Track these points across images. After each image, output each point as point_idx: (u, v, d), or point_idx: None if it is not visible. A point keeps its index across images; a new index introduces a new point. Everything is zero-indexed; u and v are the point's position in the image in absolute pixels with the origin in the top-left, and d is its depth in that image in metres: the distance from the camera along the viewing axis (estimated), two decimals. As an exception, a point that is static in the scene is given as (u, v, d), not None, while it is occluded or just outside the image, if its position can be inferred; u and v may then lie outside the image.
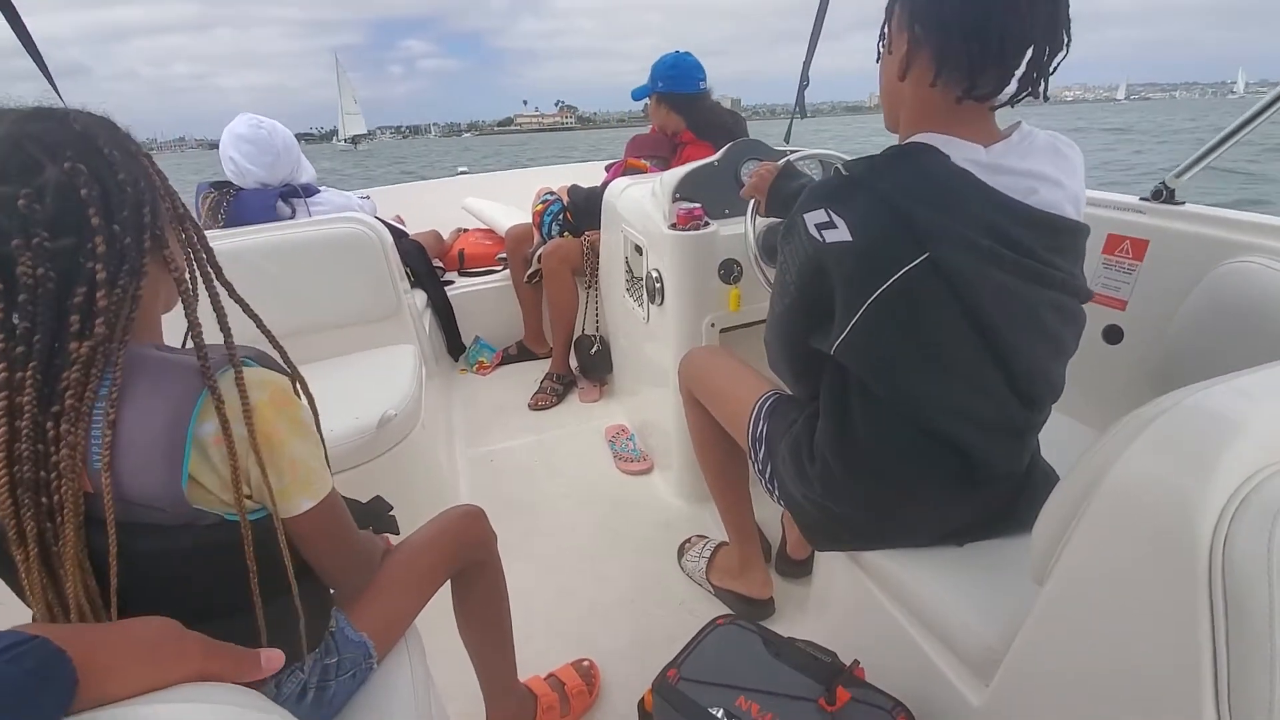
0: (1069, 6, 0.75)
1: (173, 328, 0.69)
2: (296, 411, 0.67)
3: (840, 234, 0.79)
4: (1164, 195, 1.24)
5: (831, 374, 0.91)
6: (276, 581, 0.67)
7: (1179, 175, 1.22)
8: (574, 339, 2.45)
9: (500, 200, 3.22)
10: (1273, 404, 0.54)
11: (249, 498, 0.63)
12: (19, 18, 1.48)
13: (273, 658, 0.53)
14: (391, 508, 1.00)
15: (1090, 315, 0.89)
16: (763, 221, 1.46)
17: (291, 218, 1.94)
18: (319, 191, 2.05)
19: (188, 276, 0.64)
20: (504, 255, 2.80)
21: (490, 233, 3.06)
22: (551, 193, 2.50)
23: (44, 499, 0.54)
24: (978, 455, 0.86)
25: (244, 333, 0.68)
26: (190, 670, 0.46)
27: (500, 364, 2.74)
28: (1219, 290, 1.04)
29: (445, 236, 3.02)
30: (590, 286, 2.38)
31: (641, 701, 0.95)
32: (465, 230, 3.13)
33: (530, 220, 2.59)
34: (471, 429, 2.30)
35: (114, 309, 0.56)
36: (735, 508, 1.38)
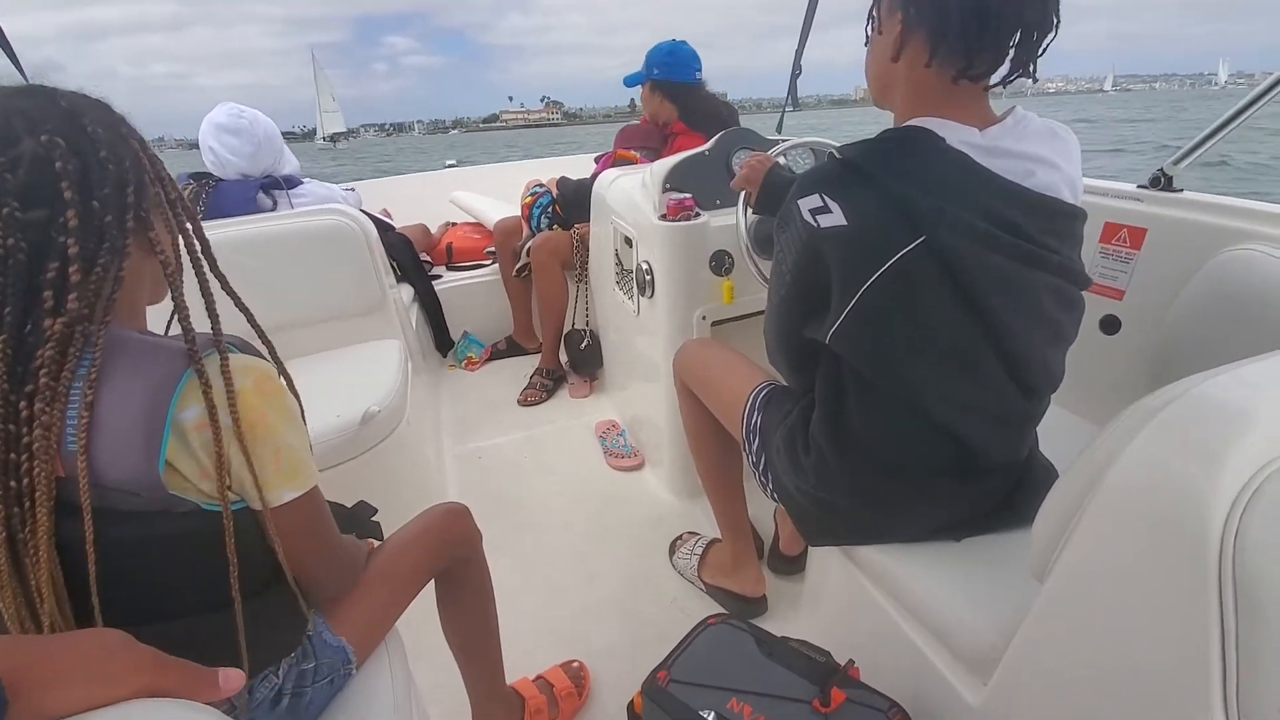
0: None
1: (157, 317, 0.68)
2: (282, 399, 0.65)
3: (835, 219, 0.77)
4: (1162, 183, 1.22)
5: (827, 363, 0.89)
6: (254, 578, 0.65)
7: (1177, 162, 1.20)
8: (564, 333, 2.42)
9: (489, 193, 3.18)
10: (1276, 393, 0.52)
11: (228, 488, 0.61)
12: None
13: (231, 677, 0.50)
14: (376, 511, 0.97)
15: (1087, 305, 0.87)
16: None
17: (273, 210, 1.89)
18: (302, 183, 2.00)
19: (174, 261, 0.64)
20: (493, 249, 2.76)
21: (479, 226, 3.02)
22: (540, 185, 2.46)
23: (13, 482, 0.53)
24: (975, 445, 0.84)
25: (229, 326, 0.66)
26: (140, 685, 0.43)
27: (489, 359, 2.71)
28: (1218, 279, 1.02)
29: (433, 230, 2.98)
30: (580, 280, 2.34)
31: (631, 704, 0.92)
32: (453, 224, 3.09)
33: (519, 213, 2.56)
34: (460, 425, 2.27)
35: (92, 287, 0.55)
36: (728, 503, 1.36)
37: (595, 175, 2.16)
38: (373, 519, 0.97)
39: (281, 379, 0.68)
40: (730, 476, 1.35)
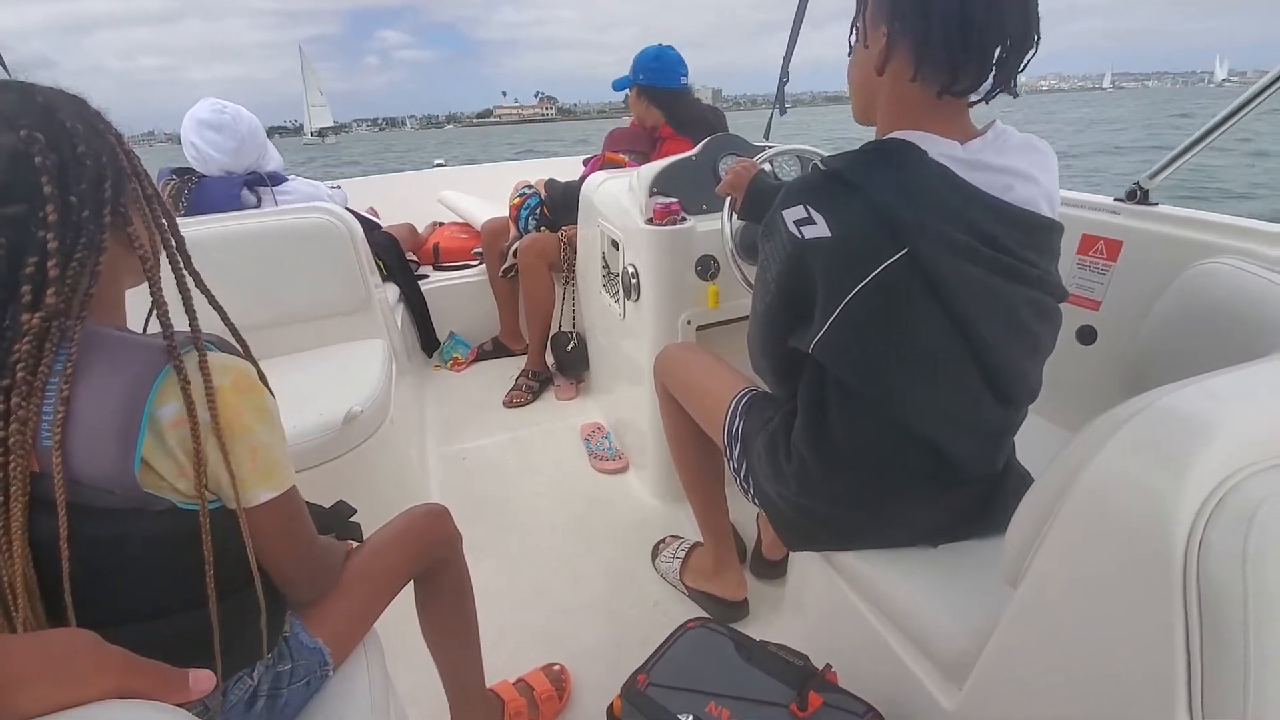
0: (1038, 5, 0.76)
1: (134, 312, 0.69)
2: (261, 399, 0.65)
3: (819, 230, 0.78)
4: (1138, 196, 1.24)
5: (810, 372, 0.90)
6: (230, 579, 0.65)
7: (1153, 176, 1.22)
8: (550, 335, 2.42)
9: (477, 193, 3.17)
10: (1243, 406, 0.53)
11: (205, 487, 0.61)
12: None
13: (201, 678, 0.50)
14: (355, 511, 0.97)
15: (1064, 315, 0.88)
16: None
17: (257, 206, 1.88)
18: (286, 180, 1.99)
19: (153, 257, 0.64)
20: (480, 250, 2.76)
21: (466, 226, 3.01)
22: (529, 186, 2.46)
23: None
24: (953, 454, 0.85)
25: (205, 324, 0.66)
26: (109, 686, 0.43)
27: (475, 360, 2.70)
28: (1191, 291, 1.04)
29: (420, 229, 2.96)
30: (567, 282, 2.34)
31: (610, 707, 0.93)
32: (441, 224, 3.08)
33: (507, 214, 2.55)
34: (444, 426, 2.26)
35: (70, 281, 0.55)
36: (710, 508, 1.37)
37: (583, 178, 2.17)
38: (351, 519, 0.97)
39: (256, 376, 0.67)
40: (711, 481, 1.35)
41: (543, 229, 2.38)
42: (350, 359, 1.72)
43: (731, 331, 1.66)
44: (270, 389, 0.70)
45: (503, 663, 1.25)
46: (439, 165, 4.39)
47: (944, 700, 0.82)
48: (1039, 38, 0.78)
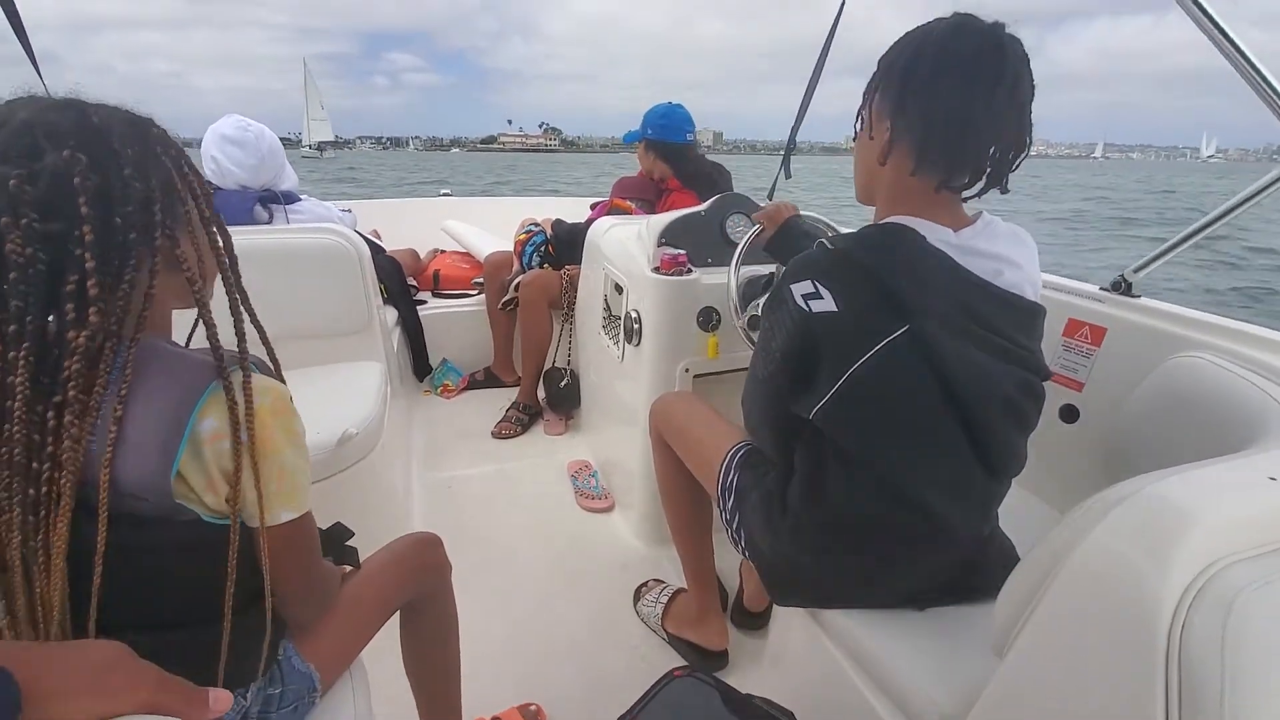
0: (1031, 113, 0.83)
1: (179, 323, 0.70)
2: (293, 422, 0.67)
3: (826, 304, 0.83)
4: (1122, 287, 1.32)
5: (808, 436, 0.93)
6: (237, 596, 0.65)
7: (1137, 270, 1.30)
8: (544, 370, 2.44)
9: (480, 225, 3.23)
10: (1225, 498, 0.57)
11: (228, 501, 0.62)
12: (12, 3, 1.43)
13: (221, 698, 0.51)
14: (352, 535, 0.97)
15: (1049, 393, 0.94)
16: (745, 273, 1.50)
17: (268, 223, 1.90)
18: (300, 199, 2.02)
19: (200, 278, 0.65)
20: (480, 280, 2.79)
21: (467, 256, 3.05)
22: (535, 224, 2.51)
23: (31, 490, 0.53)
24: (944, 520, 0.88)
25: (226, 336, 0.66)
26: (140, 702, 0.44)
27: (466, 389, 2.71)
28: (1169, 381, 1.10)
29: (422, 255, 3.00)
30: (565, 320, 2.38)
31: (592, 752, 0.92)
32: (442, 251, 3.12)
33: (511, 248, 2.60)
34: (431, 452, 2.25)
35: (119, 301, 0.57)
36: (697, 555, 1.38)
37: (590, 220, 2.23)
38: (348, 544, 0.97)
39: (292, 401, 0.69)
40: (700, 529, 1.36)
41: (546, 266, 2.43)
42: (348, 380, 1.72)
43: (727, 381, 1.70)
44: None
45: (477, 699, 1.23)
46: (445, 195, 4.46)
47: (925, 764, 0.83)
48: (1031, 142, 0.85)
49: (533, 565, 1.70)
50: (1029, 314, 0.89)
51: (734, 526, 1.09)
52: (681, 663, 1.37)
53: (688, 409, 1.32)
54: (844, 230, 1.65)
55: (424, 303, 2.72)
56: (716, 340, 1.58)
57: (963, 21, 0.82)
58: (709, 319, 1.58)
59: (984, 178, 0.85)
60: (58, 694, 0.41)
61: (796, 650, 1.17)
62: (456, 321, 2.75)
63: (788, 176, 2.34)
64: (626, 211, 2.28)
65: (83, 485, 0.55)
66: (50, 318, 0.56)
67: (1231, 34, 1.11)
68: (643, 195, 2.34)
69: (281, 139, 2.13)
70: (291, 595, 0.73)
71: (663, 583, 1.57)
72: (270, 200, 1.93)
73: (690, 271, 1.57)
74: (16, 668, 0.40)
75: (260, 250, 1.71)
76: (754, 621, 1.47)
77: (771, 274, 1.55)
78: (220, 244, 0.68)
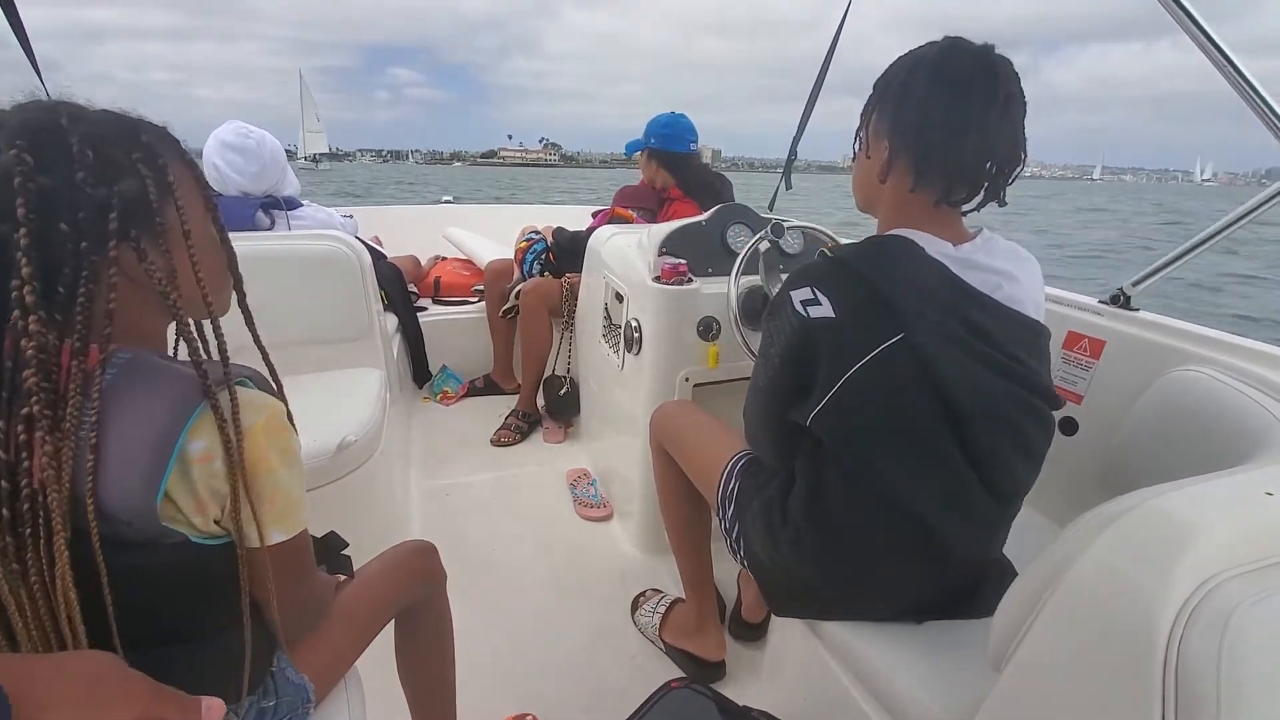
0: (1024, 129, 0.85)
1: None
2: (288, 439, 0.66)
3: (824, 310, 0.84)
4: (1121, 300, 1.32)
5: (808, 445, 0.93)
6: (228, 613, 0.64)
7: (1136, 284, 1.31)
8: (544, 378, 2.44)
9: (482, 233, 3.24)
10: (1222, 513, 0.57)
11: (217, 522, 0.60)
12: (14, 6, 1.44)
13: (214, 707, 0.50)
14: (347, 545, 0.96)
15: None
16: (745, 283, 1.50)
17: (270, 229, 1.91)
18: (301, 205, 2.03)
19: (174, 293, 0.61)
20: (481, 287, 2.80)
21: (468, 263, 3.06)
22: (536, 232, 2.52)
23: (4, 510, 0.51)
24: (943, 535, 0.87)
25: (232, 338, 0.66)
26: (133, 713, 0.44)
27: (465, 396, 2.71)
28: (1167, 395, 1.10)
29: (423, 262, 3.00)
30: (566, 328, 2.38)
31: (588, 764, 0.92)
32: (443, 258, 3.12)
33: (511, 256, 2.61)
34: (429, 459, 2.25)
35: (78, 313, 0.54)
36: (695, 564, 1.37)
37: (591, 229, 2.23)
38: (343, 553, 0.97)
39: (287, 417, 0.68)
40: (699, 538, 1.36)
41: (547, 274, 2.43)
42: (347, 386, 1.72)
43: (726, 391, 1.70)
44: (293, 419, 0.71)
45: (473, 709, 1.22)
46: (447, 202, 4.48)
47: (922, 778, 0.83)
48: (1025, 156, 0.87)
49: (531, 574, 1.70)
50: (1030, 330, 0.89)
51: (733, 536, 1.09)
52: (679, 673, 1.37)
53: (688, 417, 1.32)
54: (844, 240, 1.66)
55: (424, 309, 2.72)
56: (717, 350, 1.58)
57: (953, 44, 0.85)
58: (709, 328, 1.58)
59: (981, 192, 0.87)
60: (49, 705, 0.41)
61: (794, 662, 1.16)
62: (457, 328, 2.76)
63: (788, 188, 2.35)
64: (628, 220, 2.29)
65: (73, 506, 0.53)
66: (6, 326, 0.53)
67: (1232, 56, 1.12)
68: (644, 204, 2.35)
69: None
70: (284, 612, 0.72)
71: (661, 592, 1.57)
72: (272, 206, 1.93)
73: (691, 281, 1.57)
74: (7, 680, 0.39)
75: (261, 256, 1.71)
76: (752, 633, 1.46)
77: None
78: (223, 259, 0.67)
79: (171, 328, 0.66)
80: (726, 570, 1.49)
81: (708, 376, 1.63)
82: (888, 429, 0.85)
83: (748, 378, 1.66)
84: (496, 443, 2.35)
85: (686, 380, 1.61)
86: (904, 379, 0.82)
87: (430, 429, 2.45)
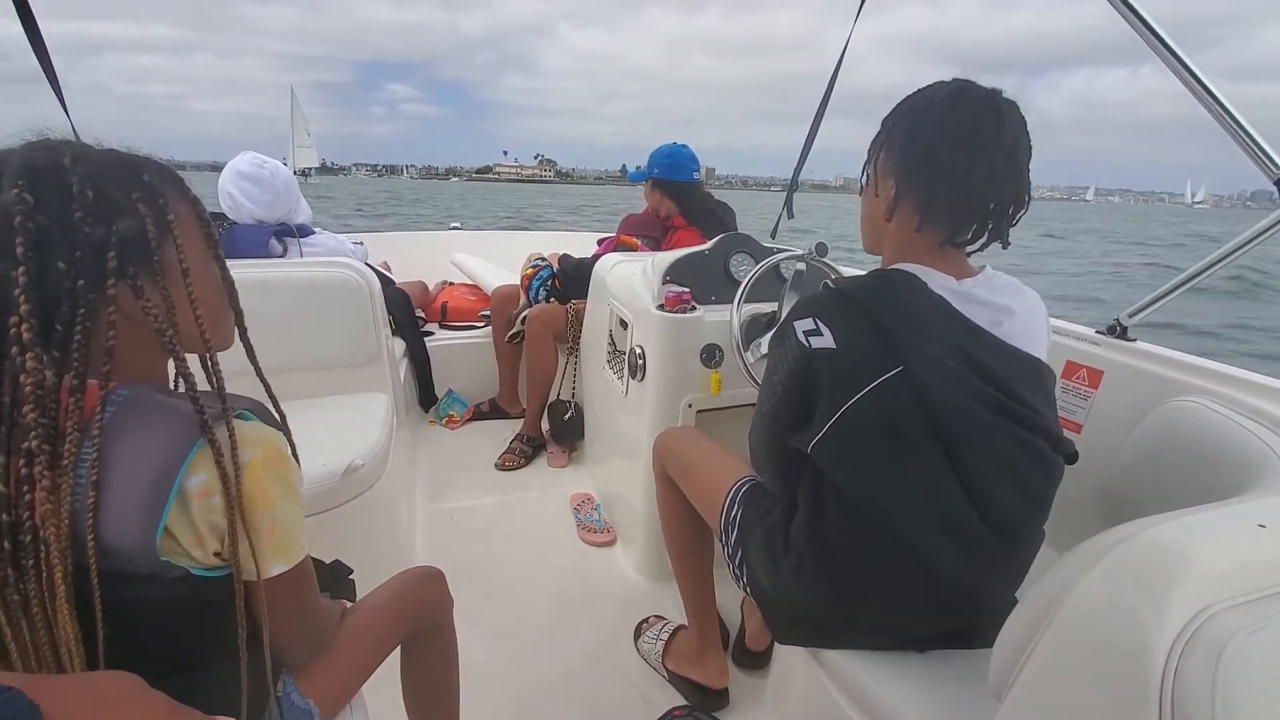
0: (1029, 172, 0.87)
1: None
2: (288, 473, 0.66)
3: (825, 341, 0.86)
4: (1118, 331, 1.34)
5: (810, 472, 0.94)
6: (229, 642, 0.65)
7: (1132, 315, 1.32)
8: (549, 403, 2.46)
9: (489, 259, 3.28)
10: (1216, 543, 0.58)
11: (217, 554, 0.61)
12: (35, 24, 1.48)
13: None
14: (352, 571, 0.97)
15: None
16: (747, 311, 1.53)
17: (283, 256, 1.95)
18: (314, 233, 2.07)
19: (171, 330, 0.62)
20: (487, 312, 2.83)
21: (475, 289, 3.10)
22: (542, 258, 2.56)
23: (5, 543, 0.52)
24: (938, 568, 0.87)
25: (229, 366, 0.68)
26: None
27: (470, 420, 2.73)
28: (1165, 425, 1.12)
29: (430, 287, 3.04)
30: (571, 353, 2.41)
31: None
32: (450, 283, 3.16)
33: (518, 282, 2.64)
34: (434, 483, 2.26)
35: (75, 350, 0.55)
36: (698, 591, 1.38)
37: (597, 256, 2.27)
38: (349, 577, 0.98)
39: (288, 449, 0.69)
40: (701, 564, 1.37)
41: (552, 300, 2.46)
42: (355, 411, 1.74)
43: (729, 417, 1.71)
44: (295, 448, 0.71)
45: (475, 735, 1.22)
46: (455, 229, 4.55)
47: (925, 810, 0.82)
48: (1030, 199, 0.89)
49: (534, 598, 1.70)
50: (1030, 368, 0.90)
51: (736, 561, 1.10)
52: (682, 701, 1.36)
53: (692, 443, 1.33)
54: (846, 270, 1.69)
55: (431, 334, 2.76)
56: (719, 377, 1.60)
57: (962, 87, 0.87)
58: (712, 355, 1.60)
59: (986, 233, 0.89)
60: None
61: (797, 690, 1.16)
62: (463, 353, 2.78)
63: (790, 217, 2.38)
64: (632, 248, 2.33)
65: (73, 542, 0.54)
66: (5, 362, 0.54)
67: (1210, 85, 1.15)
68: (648, 232, 2.39)
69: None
70: (288, 639, 0.73)
71: (664, 619, 1.56)
72: (285, 234, 1.97)
73: (694, 309, 1.60)
74: (39, 700, 0.41)
75: (274, 282, 1.75)
76: (754, 661, 1.46)
77: (773, 313, 1.57)
78: (224, 295, 0.69)
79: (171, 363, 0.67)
80: (730, 597, 1.49)
81: (710, 403, 1.65)
82: (885, 460, 0.86)
83: (750, 404, 1.69)
84: (501, 467, 2.37)
85: (690, 406, 1.63)
86: (902, 412, 0.83)
87: (435, 453, 2.47)
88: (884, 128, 0.93)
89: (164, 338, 0.60)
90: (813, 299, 0.92)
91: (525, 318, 2.44)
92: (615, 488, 2.06)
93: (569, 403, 2.41)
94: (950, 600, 0.90)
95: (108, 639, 0.57)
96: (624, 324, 1.83)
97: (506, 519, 2.07)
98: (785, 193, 2.45)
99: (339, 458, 1.44)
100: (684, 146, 2.43)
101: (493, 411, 2.75)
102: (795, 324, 0.89)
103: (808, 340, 0.87)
